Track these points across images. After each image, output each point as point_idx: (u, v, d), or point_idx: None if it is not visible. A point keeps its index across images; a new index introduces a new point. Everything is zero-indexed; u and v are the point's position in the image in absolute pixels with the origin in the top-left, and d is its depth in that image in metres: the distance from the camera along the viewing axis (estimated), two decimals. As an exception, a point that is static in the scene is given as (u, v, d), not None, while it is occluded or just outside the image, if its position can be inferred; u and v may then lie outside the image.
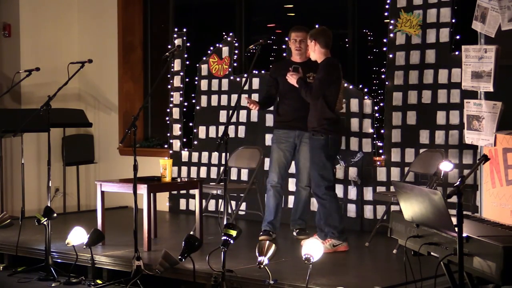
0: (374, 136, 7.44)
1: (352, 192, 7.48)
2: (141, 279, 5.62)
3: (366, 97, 7.43)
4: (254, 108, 6.97)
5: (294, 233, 7.01)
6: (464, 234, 3.76)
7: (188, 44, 8.70)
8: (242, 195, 7.31)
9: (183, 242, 5.44)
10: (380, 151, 7.47)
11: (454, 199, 3.74)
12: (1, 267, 6.65)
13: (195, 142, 8.66)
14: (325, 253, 5.95)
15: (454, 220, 3.79)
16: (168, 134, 8.89)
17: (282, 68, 6.95)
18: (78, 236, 6.15)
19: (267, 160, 7.69)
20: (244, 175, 8.19)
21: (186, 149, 8.75)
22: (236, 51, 8.45)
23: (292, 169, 7.11)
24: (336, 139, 6.40)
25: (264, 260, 5.09)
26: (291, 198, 7.60)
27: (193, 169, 8.65)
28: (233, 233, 5.20)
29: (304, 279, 5.01)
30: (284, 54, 7.97)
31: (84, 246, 6.05)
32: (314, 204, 7.66)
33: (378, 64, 7.81)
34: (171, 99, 8.83)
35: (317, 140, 6.34)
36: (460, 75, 6.25)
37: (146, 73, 9.66)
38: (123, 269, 5.97)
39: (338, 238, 6.30)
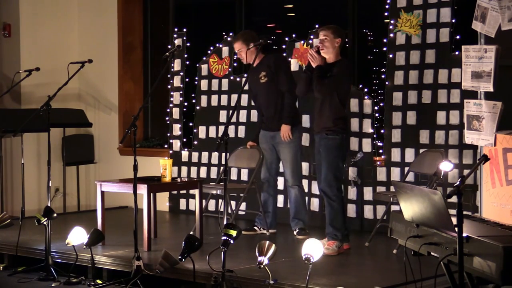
0: (374, 136, 7.44)
1: (352, 192, 7.48)
2: (141, 279, 5.62)
3: (366, 97, 7.43)
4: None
5: (295, 233, 7.04)
6: (464, 234, 3.76)
7: (188, 44, 8.70)
8: (242, 195, 7.32)
9: (183, 242, 5.44)
10: (380, 151, 7.47)
11: (454, 199, 3.74)
12: (1, 267, 6.65)
13: (195, 142, 8.65)
14: (328, 256, 6.00)
15: (454, 220, 3.79)
16: (168, 134, 8.89)
17: (251, 75, 7.12)
18: (78, 236, 6.15)
19: (266, 160, 7.72)
20: (244, 175, 8.19)
21: (186, 149, 8.75)
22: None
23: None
24: (348, 139, 6.40)
25: (264, 260, 5.09)
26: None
27: (193, 169, 8.65)
28: (233, 233, 5.21)
29: (304, 279, 5.01)
30: (284, 54, 7.97)
31: (84, 246, 6.05)
32: (314, 204, 7.68)
33: (378, 64, 7.81)
34: (171, 99, 8.83)
35: (333, 140, 6.21)
36: (460, 75, 6.25)
37: (146, 73, 9.66)
38: (123, 269, 5.97)
39: (341, 240, 6.28)
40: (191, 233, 6.93)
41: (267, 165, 7.20)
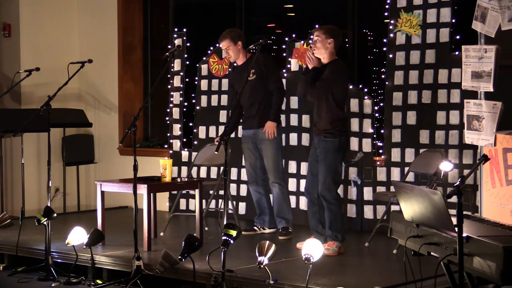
0: (374, 136, 7.44)
1: (352, 192, 7.48)
2: (141, 279, 5.62)
3: (366, 97, 7.43)
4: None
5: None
6: (464, 234, 3.76)
7: (188, 44, 8.69)
8: (211, 192, 7.41)
9: (183, 242, 5.44)
10: (380, 151, 7.47)
11: (454, 199, 3.74)
12: (1, 267, 6.65)
13: (195, 142, 8.65)
14: (328, 256, 5.99)
15: (454, 220, 3.79)
16: (168, 134, 8.88)
17: (236, 74, 7.21)
18: (78, 236, 6.15)
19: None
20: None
21: (186, 149, 8.74)
22: (236, 51, 8.43)
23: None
24: (347, 141, 6.34)
25: (264, 260, 5.09)
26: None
27: (193, 169, 8.64)
28: (233, 233, 5.21)
29: (304, 279, 5.01)
30: (284, 54, 7.97)
31: (84, 246, 6.05)
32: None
33: (378, 64, 7.81)
34: (171, 99, 8.82)
35: (331, 143, 6.16)
36: (460, 75, 6.25)
37: (146, 73, 9.66)
38: (123, 269, 5.97)
39: (340, 241, 6.27)
40: (161, 234, 7.06)
41: (251, 165, 7.17)
